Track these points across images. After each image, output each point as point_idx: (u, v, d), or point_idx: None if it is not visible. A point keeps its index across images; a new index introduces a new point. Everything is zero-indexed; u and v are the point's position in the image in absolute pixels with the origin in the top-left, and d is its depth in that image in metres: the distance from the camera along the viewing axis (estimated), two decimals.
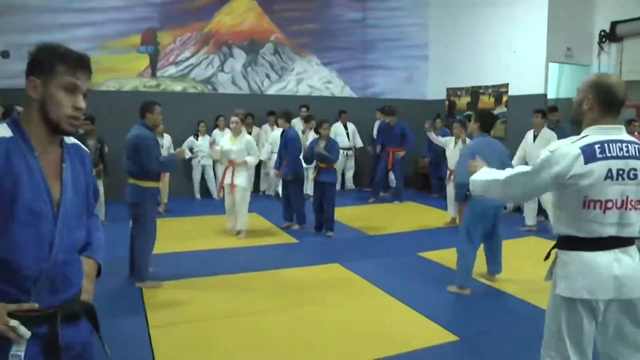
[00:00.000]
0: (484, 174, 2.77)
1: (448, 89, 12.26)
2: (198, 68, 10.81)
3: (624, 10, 9.23)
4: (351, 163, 11.58)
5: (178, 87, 10.68)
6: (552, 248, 2.57)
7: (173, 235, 7.35)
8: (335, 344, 3.96)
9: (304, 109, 10.65)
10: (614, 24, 9.47)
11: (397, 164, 10.19)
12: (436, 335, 4.13)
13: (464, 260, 5.12)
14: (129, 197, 5.20)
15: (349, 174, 11.66)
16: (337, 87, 12.20)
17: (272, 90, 11.55)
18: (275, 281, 5.46)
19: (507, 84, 10.50)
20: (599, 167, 2.29)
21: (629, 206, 2.34)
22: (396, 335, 4.14)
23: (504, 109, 10.56)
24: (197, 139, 9.98)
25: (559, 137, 7.94)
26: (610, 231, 2.35)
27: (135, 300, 4.81)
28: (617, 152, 2.31)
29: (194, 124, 10.03)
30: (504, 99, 10.60)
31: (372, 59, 12.46)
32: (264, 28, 11.38)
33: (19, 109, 3.68)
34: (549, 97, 9.73)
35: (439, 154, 9.67)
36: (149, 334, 4.07)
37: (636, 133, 8.95)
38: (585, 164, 2.29)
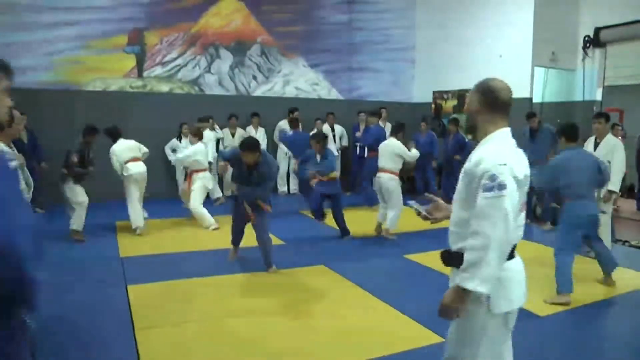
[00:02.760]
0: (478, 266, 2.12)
1: (434, 92, 12.32)
2: (185, 69, 10.76)
3: (608, 16, 9.35)
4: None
5: (164, 88, 10.62)
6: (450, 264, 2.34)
7: (160, 237, 7.33)
8: (320, 346, 3.96)
9: (296, 112, 10.57)
10: (597, 30, 9.59)
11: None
12: (422, 336, 4.13)
13: (562, 267, 5.00)
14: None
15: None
16: (324, 89, 12.21)
17: (258, 92, 11.53)
18: (261, 283, 5.45)
19: None
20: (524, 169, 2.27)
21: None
22: (382, 337, 4.14)
23: None
24: (180, 141, 9.90)
25: (543, 139, 7.97)
26: (520, 234, 2.31)
27: (121, 302, 4.77)
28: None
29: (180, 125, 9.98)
30: None
31: (358, 62, 12.49)
32: (251, 29, 11.37)
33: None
34: (534, 101, 9.83)
35: (424, 156, 9.68)
36: (135, 336, 4.03)
37: (619, 137, 9.08)
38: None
